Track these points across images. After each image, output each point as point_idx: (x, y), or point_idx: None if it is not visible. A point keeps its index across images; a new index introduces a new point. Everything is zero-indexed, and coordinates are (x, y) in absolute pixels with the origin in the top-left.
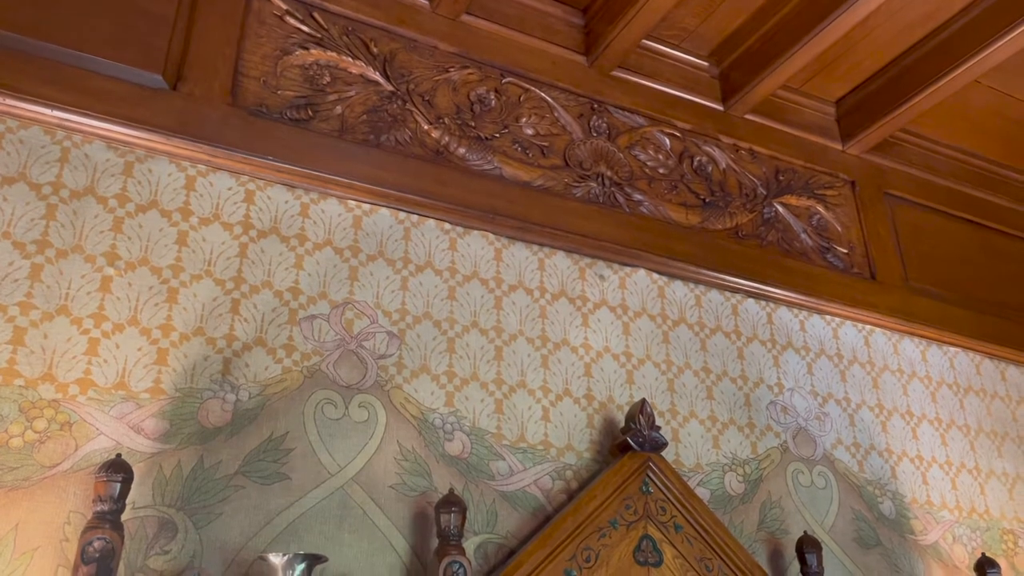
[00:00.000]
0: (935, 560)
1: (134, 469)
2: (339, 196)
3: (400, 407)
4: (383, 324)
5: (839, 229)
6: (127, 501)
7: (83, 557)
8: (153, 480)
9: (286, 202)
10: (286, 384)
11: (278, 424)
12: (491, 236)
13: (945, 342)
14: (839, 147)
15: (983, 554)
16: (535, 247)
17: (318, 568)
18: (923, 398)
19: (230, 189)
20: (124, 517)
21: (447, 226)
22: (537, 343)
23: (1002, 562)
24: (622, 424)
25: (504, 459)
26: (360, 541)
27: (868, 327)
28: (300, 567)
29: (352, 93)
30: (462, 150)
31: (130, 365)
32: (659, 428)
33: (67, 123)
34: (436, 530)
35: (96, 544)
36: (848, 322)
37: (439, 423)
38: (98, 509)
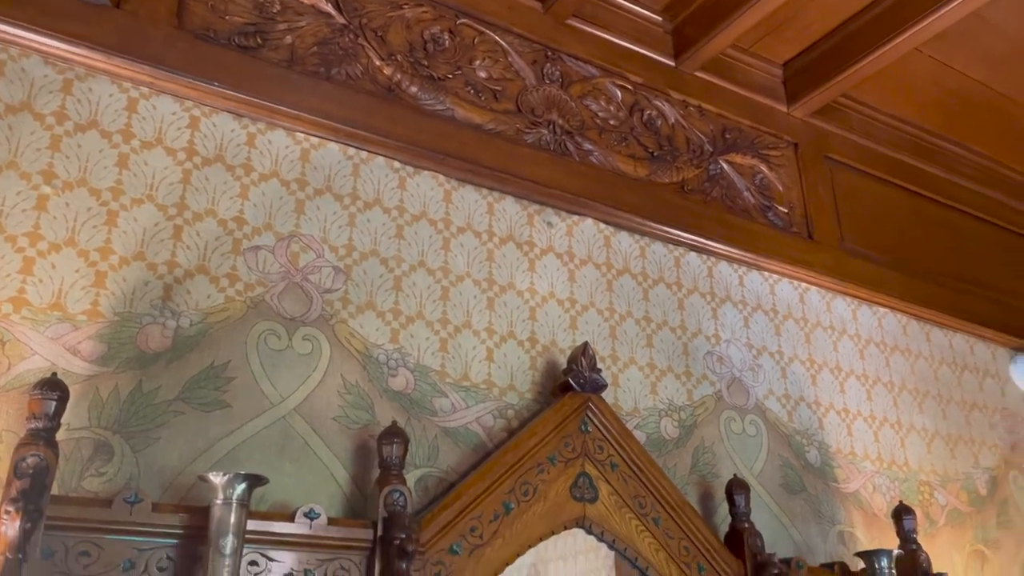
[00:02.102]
0: (855, 507)
1: (70, 391)
2: (287, 128)
3: (345, 341)
4: (329, 259)
5: (780, 189)
6: (62, 422)
7: (16, 472)
8: (89, 402)
9: (232, 131)
10: (229, 313)
11: (220, 352)
12: (441, 177)
13: (875, 303)
14: (784, 109)
15: (900, 502)
16: (485, 191)
17: (259, 493)
18: (852, 355)
19: (174, 114)
20: (59, 437)
21: (397, 164)
22: (484, 285)
23: (917, 511)
24: (564, 367)
25: (447, 396)
26: (301, 471)
27: (804, 285)
28: (240, 487)
29: (303, 23)
30: (414, 89)
31: (67, 286)
32: (600, 371)
33: (4, 35)
34: (378, 460)
35: (30, 460)
36: (785, 279)
37: (383, 359)
38: (32, 426)
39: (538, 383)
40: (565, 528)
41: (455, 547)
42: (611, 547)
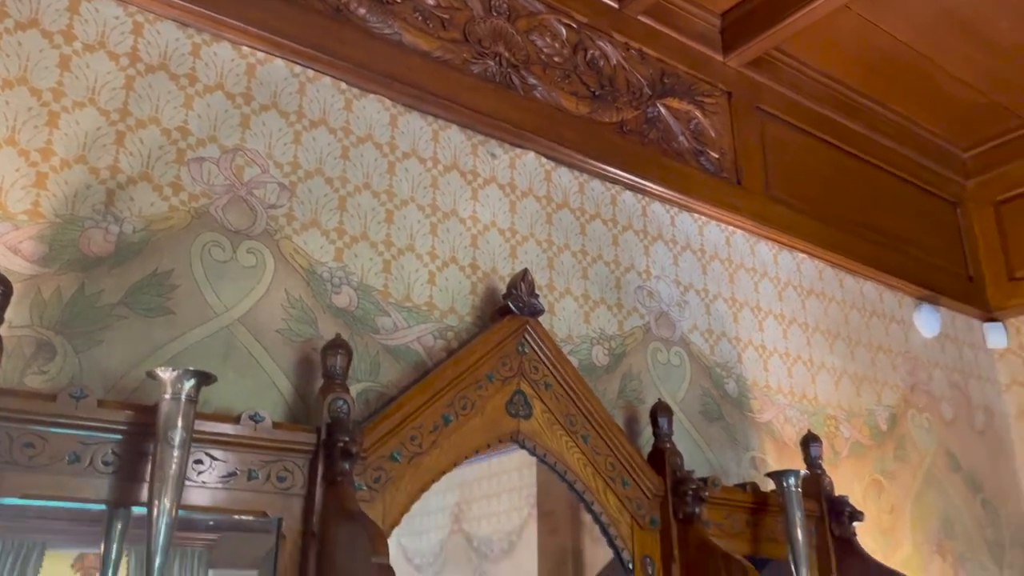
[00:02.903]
0: (768, 436)
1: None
2: (233, 40)
3: (289, 257)
4: (274, 175)
5: (713, 135)
6: (4, 318)
7: None
8: (31, 302)
9: (176, 40)
10: (172, 222)
11: (163, 260)
12: (387, 102)
13: (795, 248)
14: (720, 58)
15: (809, 431)
16: (430, 118)
17: (203, 398)
18: (771, 296)
19: (117, 18)
20: (1, 333)
21: (343, 86)
22: (427, 211)
23: (824, 442)
24: (504, 293)
25: (389, 316)
26: (244, 379)
27: (730, 228)
28: (189, 383)
29: None
30: (363, 10)
31: (7, 185)
32: (538, 296)
33: None
34: (322, 371)
35: None
36: (713, 222)
37: (327, 276)
38: None
39: (478, 308)
40: (500, 442)
41: (395, 454)
42: (542, 460)
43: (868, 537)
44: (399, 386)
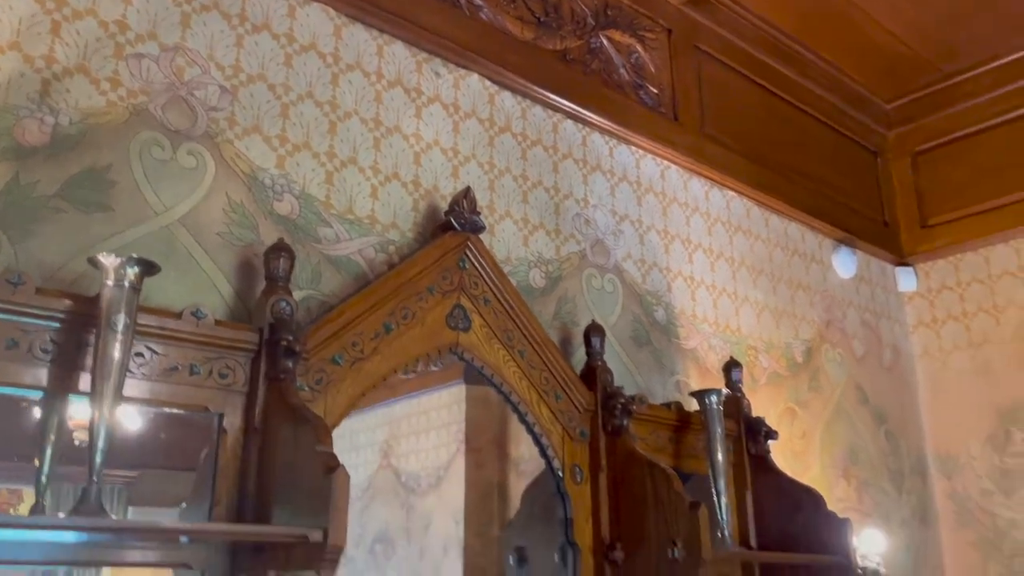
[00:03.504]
0: (692, 362)
1: None
2: None
3: (230, 161)
4: (215, 77)
5: (652, 70)
6: None
7: None
8: None
9: None
10: (111, 118)
11: (100, 155)
12: (332, 12)
13: (726, 186)
14: None
15: (731, 357)
16: (375, 32)
17: (143, 295)
18: (701, 230)
19: None
20: None
21: None
22: (371, 125)
23: (744, 370)
24: (446, 210)
25: (331, 227)
26: (184, 280)
27: (665, 163)
28: (133, 270)
29: None
30: None
31: None
32: (479, 214)
33: None
34: (265, 274)
35: None
36: (649, 155)
37: (269, 182)
38: None
39: (419, 224)
40: (440, 352)
41: (337, 358)
42: (480, 373)
43: (780, 459)
44: (340, 296)
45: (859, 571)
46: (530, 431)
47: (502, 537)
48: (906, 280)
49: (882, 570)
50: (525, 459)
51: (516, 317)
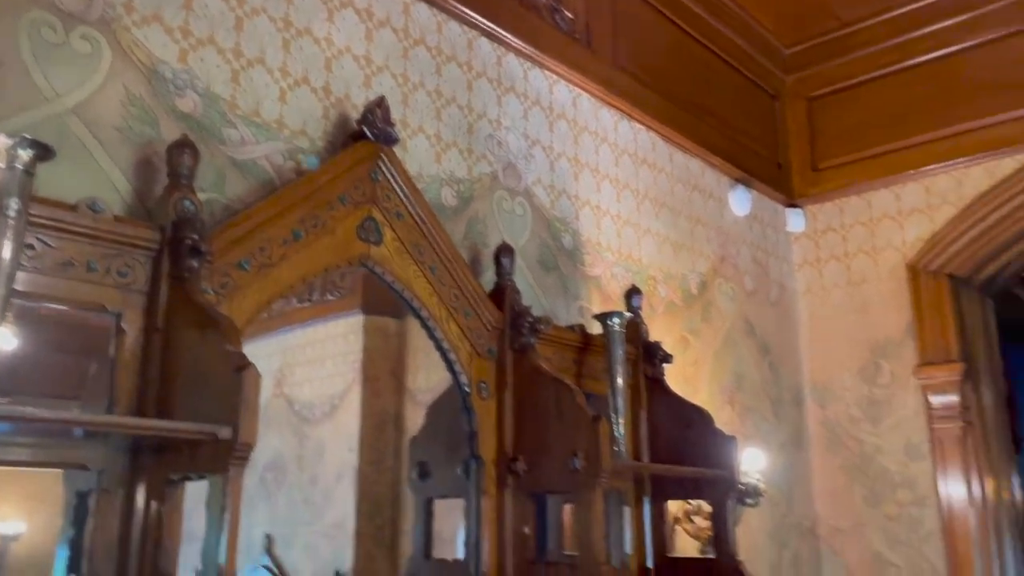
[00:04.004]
0: (596, 288)
1: None
2: None
3: (128, 50)
4: None
5: None
6: None
7: None
8: None
9: None
10: None
11: None
12: None
13: (635, 119)
14: None
15: (633, 285)
16: None
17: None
18: (609, 161)
19: None
20: None
21: None
22: (280, 24)
23: (643, 298)
24: (358, 119)
25: (237, 128)
26: (78, 173)
27: (578, 90)
28: (27, 152)
29: None
30: None
31: None
32: (394, 125)
33: None
34: (167, 170)
35: None
36: (563, 81)
37: (170, 76)
38: None
39: (330, 133)
40: (350, 264)
41: (244, 263)
42: (390, 287)
43: (673, 384)
44: (245, 201)
45: (741, 485)
46: (439, 347)
47: (407, 451)
48: (795, 221)
49: (761, 485)
50: (423, 390)
51: (428, 233)
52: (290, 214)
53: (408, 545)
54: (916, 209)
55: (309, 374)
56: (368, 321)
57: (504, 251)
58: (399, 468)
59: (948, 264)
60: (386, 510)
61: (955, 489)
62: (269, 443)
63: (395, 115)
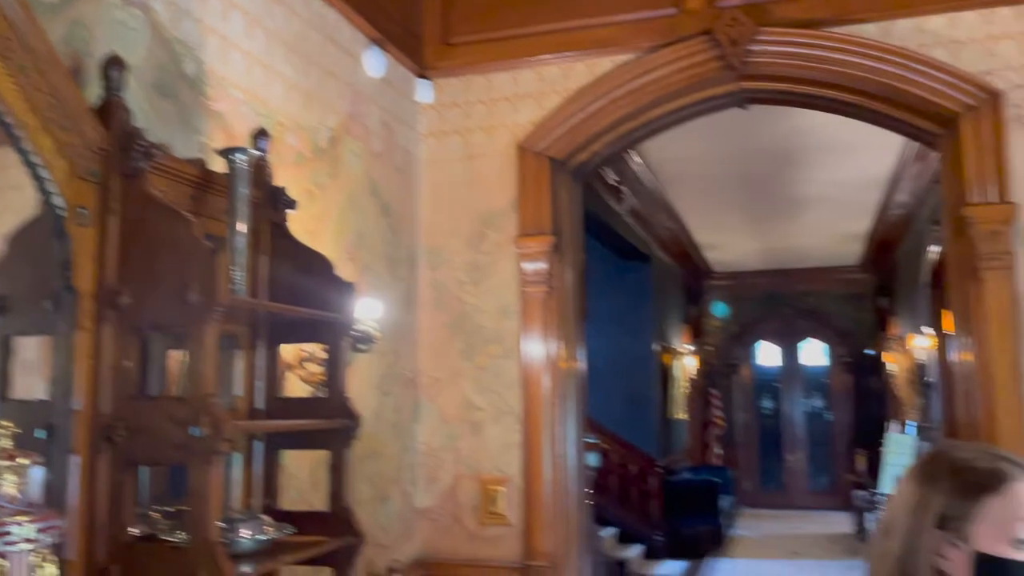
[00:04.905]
0: (219, 126)
1: None
2: None
3: None
4: None
5: None
6: None
7: None
8: None
9: None
10: None
11: None
12: None
13: None
14: None
15: (262, 128)
16: None
17: None
18: None
19: None
20: None
21: None
22: None
23: (272, 146)
24: None
25: None
26: None
27: None
28: None
29: None
30: None
31: None
32: None
33: None
34: None
35: None
36: None
37: None
38: None
39: None
40: None
41: None
42: None
43: (297, 237)
44: None
45: (355, 331)
46: (27, 162)
47: None
48: (424, 91)
49: (375, 333)
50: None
51: (17, 24)
52: None
53: None
54: (529, 94)
55: None
56: None
57: (113, 63)
58: None
59: (550, 148)
60: None
61: (535, 346)
62: None
63: None
